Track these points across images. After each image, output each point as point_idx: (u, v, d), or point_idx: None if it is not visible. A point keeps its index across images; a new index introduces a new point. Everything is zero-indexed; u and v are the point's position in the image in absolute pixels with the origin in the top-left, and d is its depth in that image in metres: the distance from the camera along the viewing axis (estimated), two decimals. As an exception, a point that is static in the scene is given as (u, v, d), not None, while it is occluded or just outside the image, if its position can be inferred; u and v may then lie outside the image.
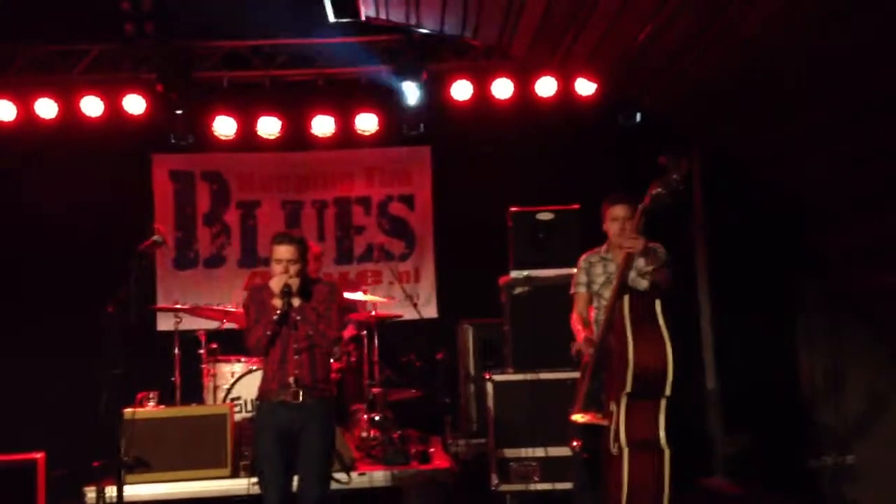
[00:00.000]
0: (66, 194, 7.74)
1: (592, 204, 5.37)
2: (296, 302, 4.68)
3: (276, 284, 4.66)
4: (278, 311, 4.64)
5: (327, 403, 4.82)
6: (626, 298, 4.68)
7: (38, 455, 5.88)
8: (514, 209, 6.80)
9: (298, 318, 4.68)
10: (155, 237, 5.23)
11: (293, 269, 4.69)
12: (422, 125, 7.84)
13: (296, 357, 4.69)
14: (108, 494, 5.82)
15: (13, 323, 7.45)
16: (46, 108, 7.66)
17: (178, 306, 6.91)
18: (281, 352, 4.70)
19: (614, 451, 4.59)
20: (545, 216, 6.69)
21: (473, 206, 7.93)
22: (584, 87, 7.74)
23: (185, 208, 8.31)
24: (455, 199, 8.16)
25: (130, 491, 5.63)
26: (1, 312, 7.40)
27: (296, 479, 4.72)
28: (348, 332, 6.83)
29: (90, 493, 5.84)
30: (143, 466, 5.82)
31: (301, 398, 4.67)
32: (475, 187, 7.97)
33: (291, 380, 4.68)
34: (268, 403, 4.76)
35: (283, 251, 4.70)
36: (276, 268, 4.70)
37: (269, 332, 4.67)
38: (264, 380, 4.82)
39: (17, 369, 7.26)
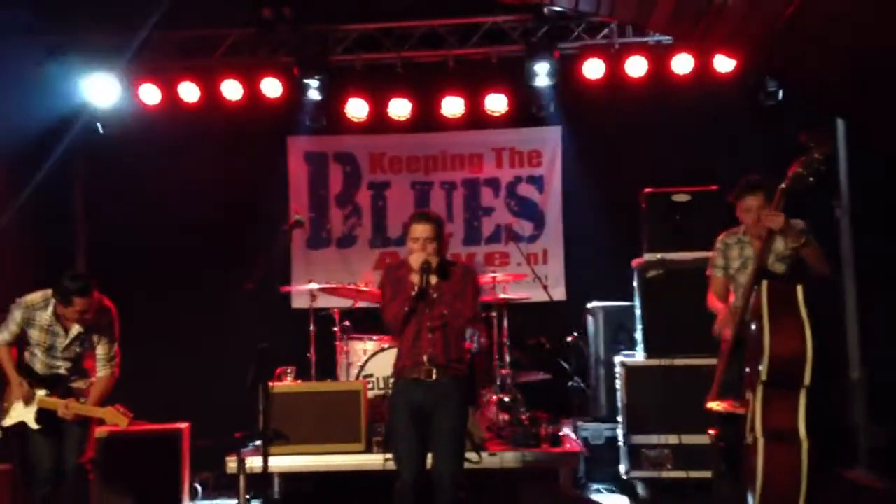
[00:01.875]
0: (207, 176, 8.03)
1: (731, 184, 5.20)
2: (433, 279, 4.70)
3: (415, 261, 4.68)
4: (416, 288, 4.67)
5: (460, 382, 4.82)
6: (765, 284, 4.52)
7: (184, 425, 6.14)
8: (648, 190, 6.65)
9: (435, 295, 4.70)
10: (297, 217, 5.36)
11: (430, 247, 4.70)
12: (552, 105, 7.76)
13: (430, 335, 4.70)
14: (248, 464, 6.04)
15: (159, 300, 7.79)
16: (189, 92, 7.93)
17: (314, 285, 7.06)
18: (415, 329, 4.72)
19: (749, 440, 4.46)
20: (681, 197, 6.53)
21: (604, 187, 7.83)
22: (723, 64, 7.47)
23: (318, 190, 8.50)
24: (585, 181, 8.06)
25: (269, 462, 5.79)
26: (147, 290, 7.74)
27: (430, 456, 4.77)
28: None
29: (231, 462, 6.06)
30: (282, 439, 5.98)
31: (434, 376, 4.69)
32: (606, 168, 7.86)
33: (425, 358, 4.70)
34: (402, 381, 4.80)
35: (421, 229, 4.71)
36: (414, 246, 4.72)
37: (406, 308, 4.70)
38: (399, 357, 4.85)
39: (164, 344, 7.60)
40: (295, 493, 6.38)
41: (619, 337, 7.02)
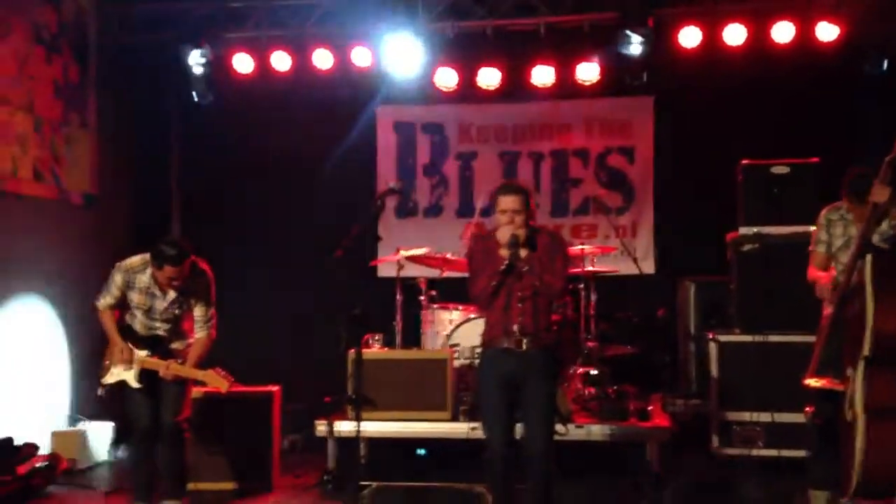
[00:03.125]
0: (297, 144, 8.14)
1: (832, 157, 5.03)
2: (522, 252, 4.65)
3: (503, 235, 4.63)
4: (505, 262, 4.64)
5: (550, 352, 4.79)
6: (869, 258, 4.36)
7: (275, 388, 6.25)
8: (745, 162, 6.47)
9: (525, 268, 4.66)
10: (391, 185, 5.37)
11: (518, 219, 4.63)
12: (645, 74, 7.55)
13: (520, 305, 4.65)
14: (336, 428, 6.13)
15: (251, 266, 7.94)
16: (281, 61, 8.01)
17: (403, 253, 7.08)
18: (505, 300, 4.68)
19: (848, 417, 4.32)
20: (780, 170, 6.34)
21: (697, 159, 7.64)
22: (826, 31, 7.19)
23: (406, 159, 8.53)
24: (678, 152, 7.88)
25: (357, 427, 5.86)
26: (239, 256, 7.89)
27: (519, 426, 4.75)
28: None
29: (320, 426, 6.16)
30: (370, 404, 6.05)
31: (525, 346, 4.66)
32: (700, 139, 7.66)
33: (515, 327, 4.65)
34: (491, 350, 4.78)
35: (509, 201, 4.64)
36: (502, 218, 4.65)
37: (494, 283, 4.67)
38: (488, 326, 4.82)
39: (254, 308, 7.75)
40: (380, 459, 6.45)
41: (711, 312, 6.88)
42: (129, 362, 5.26)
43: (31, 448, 6.19)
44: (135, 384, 5.26)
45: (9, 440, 6.11)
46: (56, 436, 6.81)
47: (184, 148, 8.62)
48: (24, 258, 6.84)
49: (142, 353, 5.28)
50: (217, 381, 5.24)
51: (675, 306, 7.31)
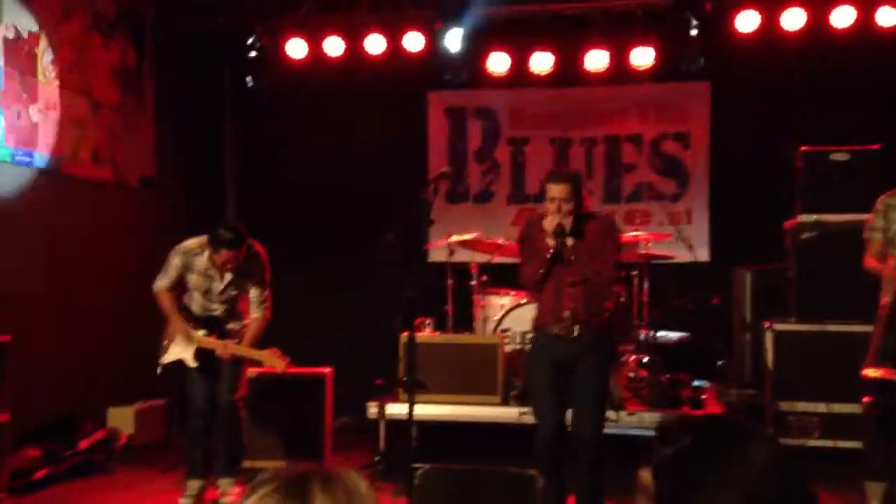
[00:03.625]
0: (348, 129, 8.18)
1: (893, 143, 4.91)
2: (569, 241, 4.62)
3: (549, 224, 4.60)
4: (551, 251, 4.61)
5: (602, 338, 4.78)
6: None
7: (327, 370, 6.31)
8: (804, 149, 6.36)
9: (572, 257, 4.63)
10: (443, 170, 5.38)
11: (566, 207, 4.59)
12: (702, 59, 7.46)
13: (570, 290, 4.65)
14: (387, 410, 6.18)
15: (302, 249, 8.00)
16: (333, 47, 8.05)
17: (454, 238, 7.08)
18: (556, 286, 4.67)
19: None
20: (840, 157, 6.21)
21: (754, 145, 7.52)
22: (887, 16, 7.04)
23: (457, 145, 8.52)
24: (734, 138, 7.75)
25: (408, 409, 5.89)
26: (291, 239, 7.95)
27: (569, 412, 4.75)
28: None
29: (372, 408, 6.21)
30: (422, 387, 6.07)
31: (576, 332, 4.65)
32: (757, 126, 7.54)
33: (567, 313, 4.65)
34: (543, 336, 4.78)
35: (557, 190, 4.60)
36: (550, 207, 4.62)
37: (541, 271, 4.66)
38: (540, 312, 4.83)
39: (306, 290, 7.82)
40: (430, 442, 6.48)
41: (767, 300, 6.78)
42: (188, 342, 5.35)
43: (92, 423, 6.34)
44: (192, 363, 5.34)
45: (70, 416, 6.26)
46: (113, 413, 6.96)
47: (237, 132, 8.71)
48: (83, 239, 6.98)
49: (199, 333, 5.37)
50: (274, 362, 5.31)
51: (730, 294, 7.21)
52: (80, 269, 6.96)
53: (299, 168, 8.30)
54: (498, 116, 8.45)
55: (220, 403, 5.37)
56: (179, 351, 5.37)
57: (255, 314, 5.45)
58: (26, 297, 6.29)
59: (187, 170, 8.41)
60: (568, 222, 4.59)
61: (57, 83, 6.71)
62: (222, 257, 5.22)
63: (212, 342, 5.34)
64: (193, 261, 5.35)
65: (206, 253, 5.32)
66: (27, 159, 6.42)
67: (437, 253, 7.97)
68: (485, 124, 8.47)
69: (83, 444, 6.03)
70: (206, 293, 5.39)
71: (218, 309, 5.43)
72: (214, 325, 5.41)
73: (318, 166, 8.27)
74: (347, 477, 1.42)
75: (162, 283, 5.42)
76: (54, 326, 6.60)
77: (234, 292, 5.43)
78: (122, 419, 6.87)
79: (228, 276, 5.37)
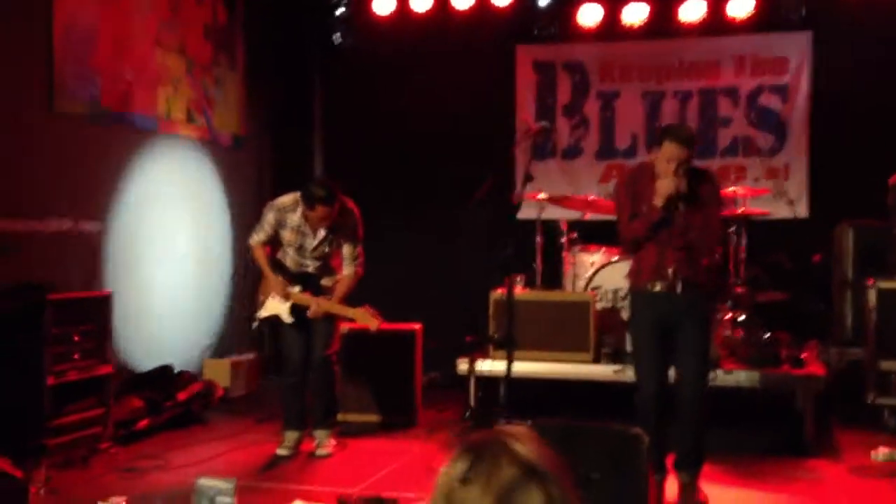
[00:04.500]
0: (436, 85, 8.10)
1: None
2: (681, 206, 4.47)
3: (664, 188, 4.37)
4: (661, 216, 4.46)
5: (706, 296, 4.67)
6: None
7: (417, 326, 6.33)
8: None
9: (683, 223, 4.46)
10: (543, 123, 5.29)
11: (682, 170, 4.43)
12: (803, 9, 7.16)
13: (675, 252, 4.52)
14: (478, 367, 6.17)
15: (391, 205, 8.00)
16: (420, 2, 7.99)
17: (544, 194, 6.99)
18: (660, 247, 4.52)
19: None
20: (953, 107, 5.91)
21: (858, 97, 7.20)
22: None
23: (545, 99, 8.37)
24: (836, 91, 7.41)
25: (498, 366, 5.90)
26: (380, 196, 7.96)
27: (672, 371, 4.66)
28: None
29: (462, 364, 6.21)
30: (511, 344, 6.04)
31: (679, 289, 4.53)
32: (861, 77, 7.21)
33: (670, 271, 4.53)
34: (645, 293, 4.66)
35: (679, 151, 4.34)
36: (666, 167, 4.37)
37: (647, 234, 4.51)
38: (640, 269, 4.68)
39: (397, 248, 7.84)
40: (520, 400, 6.46)
41: (870, 258, 6.52)
42: (284, 297, 5.42)
43: (189, 375, 6.50)
44: (288, 318, 5.41)
45: (169, 367, 6.43)
46: (208, 365, 7.13)
47: (325, 90, 8.72)
48: (177, 196, 7.12)
49: (294, 289, 5.43)
50: (367, 320, 5.35)
51: (831, 252, 6.96)
52: (177, 225, 7.11)
53: (387, 126, 8.27)
54: (587, 70, 8.26)
55: (314, 359, 5.44)
56: (275, 306, 5.45)
57: (347, 270, 5.49)
58: (125, 253, 6.45)
59: (276, 128, 8.48)
60: (683, 185, 4.39)
61: (152, 41, 6.80)
62: (317, 213, 5.25)
63: (306, 298, 5.39)
64: (287, 217, 5.40)
65: (300, 210, 5.35)
66: (124, 119, 6.54)
67: (526, 210, 7.87)
68: (574, 78, 8.29)
69: (181, 395, 6.19)
70: (300, 249, 5.44)
71: (311, 265, 5.48)
72: (308, 281, 5.46)
73: (405, 123, 8.23)
74: (526, 435, 1.49)
75: (256, 237, 5.49)
76: (153, 281, 6.77)
77: (326, 249, 5.47)
78: (217, 372, 7.04)
79: (322, 233, 5.40)
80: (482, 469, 1.41)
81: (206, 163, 7.53)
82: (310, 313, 5.37)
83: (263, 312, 5.51)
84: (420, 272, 7.80)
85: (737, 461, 5.26)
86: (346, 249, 5.48)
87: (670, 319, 4.54)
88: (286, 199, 5.46)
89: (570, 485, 1.46)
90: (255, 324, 5.62)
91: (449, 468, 1.45)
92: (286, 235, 5.44)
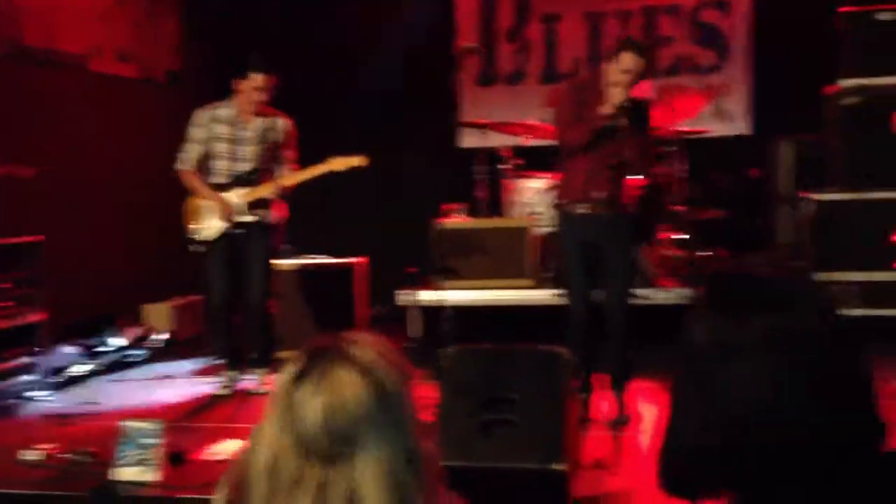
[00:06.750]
0: (371, 6, 7.89)
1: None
2: (623, 121, 4.41)
3: (616, 97, 4.32)
4: (605, 124, 4.39)
5: (631, 217, 4.66)
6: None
7: (356, 260, 6.29)
8: (844, 9, 5.97)
9: (623, 139, 4.42)
10: (468, 44, 5.14)
11: (634, 83, 4.34)
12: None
13: (607, 171, 4.48)
14: (418, 297, 6.15)
15: (327, 138, 7.84)
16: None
17: (484, 122, 6.90)
18: (590, 164, 4.50)
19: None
20: (885, 16, 5.82)
21: (799, 10, 7.09)
22: None
23: (489, 23, 8.21)
24: (778, 3, 7.31)
25: (440, 296, 5.88)
26: (318, 131, 7.80)
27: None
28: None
29: (403, 295, 6.19)
30: (452, 274, 6.03)
31: (604, 211, 4.52)
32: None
33: (598, 194, 4.51)
34: (571, 215, 4.65)
35: (635, 62, 4.28)
36: (620, 77, 4.29)
37: (588, 139, 4.43)
38: (568, 188, 4.66)
39: (339, 182, 7.72)
40: (464, 329, 6.47)
41: (807, 172, 6.52)
42: (228, 220, 5.20)
43: (126, 320, 6.45)
44: (247, 218, 5.19)
45: (105, 313, 6.36)
46: (148, 309, 7.05)
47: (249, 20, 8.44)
48: (111, 138, 6.96)
49: (241, 192, 5.19)
50: (343, 163, 5.13)
51: (771, 167, 6.94)
52: (109, 167, 6.96)
53: (307, 55, 8.03)
54: (529, -9, 8.08)
55: (250, 305, 5.34)
56: (217, 224, 5.21)
57: (283, 172, 5.33)
58: (57, 197, 6.32)
59: (214, 63, 8.25)
60: (630, 100, 4.35)
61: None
62: (252, 83, 5.02)
63: (257, 191, 5.18)
64: (219, 113, 5.19)
65: (233, 102, 5.16)
66: (51, 57, 6.34)
67: (468, 138, 7.79)
68: (516, 2, 8.13)
69: (118, 340, 6.14)
70: (234, 154, 5.21)
71: (246, 166, 5.23)
72: (247, 181, 5.22)
73: (331, 48, 8.00)
74: (368, 340, 1.51)
75: (186, 158, 5.26)
76: (86, 225, 6.65)
77: (260, 148, 5.23)
78: (158, 316, 6.97)
79: (257, 123, 5.19)
80: (316, 370, 1.42)
81: (139, 100, 7.35)
82: (271, 193, 5.16)
83: (208, 233, 5.22)
84: (365, 204, 7.69)
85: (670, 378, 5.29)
86: (282, 159, 5.31)
87: (597, 241, 4.55)
88: (211, 105, 5.28)
89: (407, 390, 1.46)
90: (196, 247, 5.30)
91: (287, 369, 1.46)
92: (218, 146, 5.17)
